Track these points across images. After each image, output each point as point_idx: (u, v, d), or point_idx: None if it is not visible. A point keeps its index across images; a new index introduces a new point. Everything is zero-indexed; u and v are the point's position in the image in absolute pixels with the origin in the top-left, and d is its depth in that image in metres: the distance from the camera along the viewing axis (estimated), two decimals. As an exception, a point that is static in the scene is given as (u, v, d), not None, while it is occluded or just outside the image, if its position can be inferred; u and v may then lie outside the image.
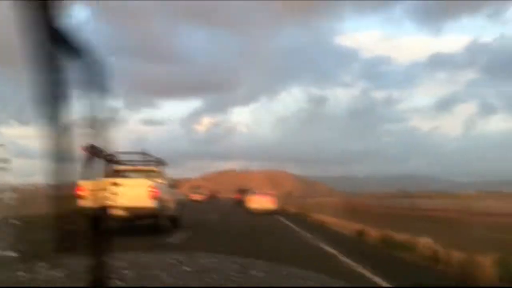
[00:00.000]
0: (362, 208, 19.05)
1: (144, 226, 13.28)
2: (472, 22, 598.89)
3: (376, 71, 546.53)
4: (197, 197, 53.41)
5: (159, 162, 15.08)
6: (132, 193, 12.49)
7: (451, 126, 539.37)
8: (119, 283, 1.42)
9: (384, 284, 6.96)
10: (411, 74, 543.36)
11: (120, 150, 13.63)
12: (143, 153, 14.32)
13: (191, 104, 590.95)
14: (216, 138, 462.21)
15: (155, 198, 12.94)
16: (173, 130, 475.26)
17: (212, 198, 65.39)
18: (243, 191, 39.24)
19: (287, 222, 21.34)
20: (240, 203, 36.68)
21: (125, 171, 14.41)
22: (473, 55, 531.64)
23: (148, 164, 14.71)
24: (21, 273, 1.62)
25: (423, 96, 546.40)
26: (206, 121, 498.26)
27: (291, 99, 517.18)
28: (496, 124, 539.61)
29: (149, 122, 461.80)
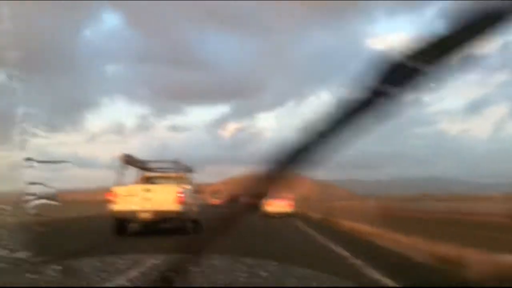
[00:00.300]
0: (397, 213, 17.12)
1: (171, 228, 13.99)
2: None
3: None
4: (216, 201, 54.48)
5: (188, 170, 16.17)
6: (160, 198, 13.57)
7: (480, 128, 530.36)
8: (126, 284, 1.47)
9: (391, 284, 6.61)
10: (442, 76, 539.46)
11: (153, 158, 16.11)
12: (175, 162, 15.37)
13: (217, 110, 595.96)
14: (240, 143, 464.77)
15: (180, 202, 13.69)
16: (198, 135, 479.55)
17: (232, 202, 66.19)
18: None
19: (313, 232, 16.79)
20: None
21: (156, 177, 15.84)
22: (507, 55, 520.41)
23: (177, 171, 15.53)
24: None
25: (452, 98, 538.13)
26: (231, 127, 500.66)
27: (318, 103, 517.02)
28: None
29: (175, 128, 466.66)
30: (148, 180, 15.49)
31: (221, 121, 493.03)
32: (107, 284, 1.56)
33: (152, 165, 16.01)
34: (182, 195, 13.85)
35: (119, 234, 13.41)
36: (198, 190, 17.07)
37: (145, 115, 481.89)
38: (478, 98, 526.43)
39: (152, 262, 1.88)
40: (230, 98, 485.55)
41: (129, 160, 14.44)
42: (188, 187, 14.92)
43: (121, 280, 1.59)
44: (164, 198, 13.64)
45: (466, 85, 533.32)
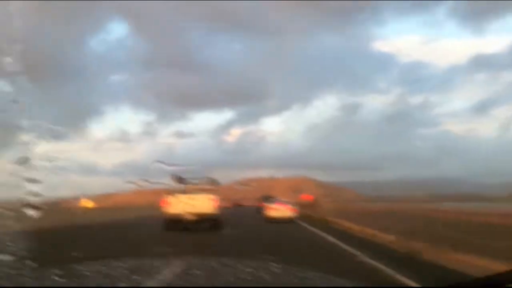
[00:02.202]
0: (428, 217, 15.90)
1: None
2: None
3: (413, 75, 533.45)
4: (227, 204, 55.30)
5: (215, 182, 21.14)
6: (200, 204, 19.28)
7: (485, 128, 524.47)
8: (123, 285, 1.52)
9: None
10: (450, 78, 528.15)
11: (191, 176, 20.85)
12: (207, 178, 21.11)
13: (222, 116, 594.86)
14: (245, 148, 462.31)
15: (215, 207, 19.83)
16: (203, 141, 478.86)
17: (237, 206, 66.62)
18: (266, 199, 38.88)
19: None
20: (261, 210, 36.54)
21: (194, 189, 20.48)
22: None
23: (208, 184, 20.74)
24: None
25: (459, 99, 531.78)
26: (236, 132, 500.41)
27: (323, 106, 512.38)
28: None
29: (180, 134, 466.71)
30: (189, 191, 20.23)
31: (226, 126, 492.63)
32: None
33: (191, 180, 20.78)
34: (217, 201, 19.94)
35: (170, 230, 18.64)
36: (222, 197, 22.19)
37: (150, 121, 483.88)
38: (486, 98, 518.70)
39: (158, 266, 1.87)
40: (235, 103, 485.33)
41: (178, 179, 19.80)
42: (216, 195, 20.35)
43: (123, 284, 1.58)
44: (203, 204, 19.39)
45: (474, 84, 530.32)
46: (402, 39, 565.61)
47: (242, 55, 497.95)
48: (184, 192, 20.15)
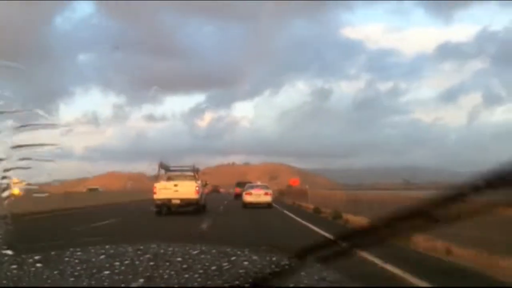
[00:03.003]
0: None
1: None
2: (483, 10, 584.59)
3: (382, 62, 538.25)
4: (205, 191, 54.90)
5: (196, 170, 23.96)
6: (184, 190, 21.04)
7: (455, 117, 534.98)
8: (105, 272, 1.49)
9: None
10: (418, 66, 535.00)
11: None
12: (191, 166, 24.05)
13: (194, 99, 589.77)
14: (217, 133, 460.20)
15: (197, 193, 21.32)
16: (174, 125, 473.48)
17: (214, 192, 66.46)
18: (242, 185, 38.67)
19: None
20: (238, 197, 36.53)
21: (178, 176, 23.18)
22: (482, 44, 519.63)
23: (190, 171, 23.66)
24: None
25: (428, 87, 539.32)
26: (208, 116, 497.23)
27: (295, 92, 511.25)
28: (501, 114, 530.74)
29: (151, 117, 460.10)
30: (173, 178, 22.63)
31: (197, 111, 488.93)
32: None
33: (175, 168, 23.96)
34: (198, 188, 21.51)
35: (159, 214, 20.78)
36: (204, 184, 25.34)
37: (121, 104, 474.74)
38: (453, 86, 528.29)
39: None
40: (207, 87, 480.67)
41: (162, 165, 22.50)
42: (199, 182, 22.37)
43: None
44: (187, 190, 21.07)
45: (442, 73, 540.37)
46: (371, 26, 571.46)
47: (215, 39, 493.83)
48: (169, 179, 22.60)
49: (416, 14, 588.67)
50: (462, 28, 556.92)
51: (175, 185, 21.25)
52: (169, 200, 20.89)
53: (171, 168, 23.69)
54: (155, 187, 21.39)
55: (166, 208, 20.99)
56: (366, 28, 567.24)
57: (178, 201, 20.87)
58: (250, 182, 37.23)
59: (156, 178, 22.32)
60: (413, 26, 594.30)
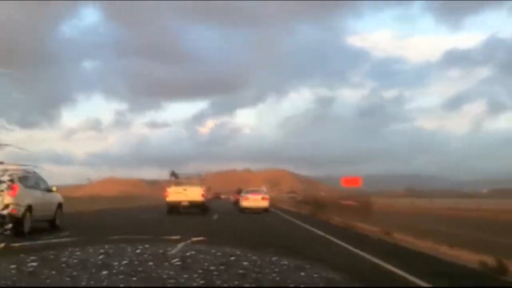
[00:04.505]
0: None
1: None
2: (492, 17, 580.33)
3: (387, 70, 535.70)
4: (209, 196, 55.46)
5: (202, 178, 29.47)
6: (192, 194, 24.71)
7: (459, 124, 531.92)
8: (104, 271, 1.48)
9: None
10: (423, 73, 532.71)
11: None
12: (197, 175, 30.34)
13: (197, 106, 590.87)
14: (219, 140, 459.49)
15: (203, 196, 25.07)
16: (177, 132, 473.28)
17: (215, 198, 67.27)
18: (240, 191, 38.29)
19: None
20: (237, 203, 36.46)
21: (185, 183, 26.70)
22: (489, 51, 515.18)
23: (195, 179, 28.27)
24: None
25: (433, 95, 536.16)
26: (210, 123, 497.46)
27: (298, 99, 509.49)
28: (507, 122, 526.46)
29: (153, 124, 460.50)
30: (181, 184, 26.29)
31: (200, 117, 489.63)
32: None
33: (183, 176, 28.17)
34: (204, 192, 25.42)
35: (171, 213, 24.01)
36: (209, 189, 30.71)
37: (123, 111, 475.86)
38: (459, 94, 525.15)
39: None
40: (209, 93, 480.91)
41: (173, 173, 27.56)
42: (204, 187, 26.37)
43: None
44: (194, 194, 24.75)
45: (448, 80, 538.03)
46: (376, 34, 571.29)
47: (218, 45, 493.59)
48: (179, 185, 26.18)
49: (423, 21, 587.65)
50: (470, 35, 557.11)
51: (184, 190, 25.01)
52: (179, 202, 24.55)
53: (180, 176, 27.92)
54: (168, 191, 25.41)
55: (176, 208, 24.44)
56: (372, 35, 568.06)
57: (186, 203, 24.56)
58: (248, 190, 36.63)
59: (170, 184, 26.71)
60: (420, 32, 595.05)
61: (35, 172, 14.23)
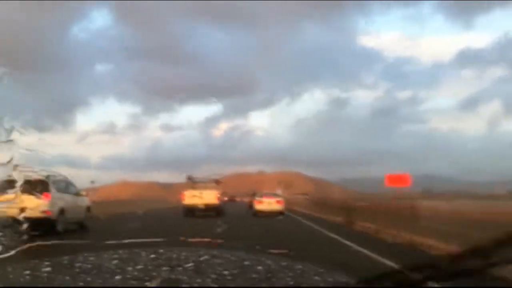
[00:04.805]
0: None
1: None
2: (505, 15, 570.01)
3: (400, 71, 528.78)
4: (225, 199, 56.00)
5: (217, 181, 29.24)
6: (208, 197, 25.37)
7: (473, 125, 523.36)
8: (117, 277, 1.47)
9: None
10: (436, 73, 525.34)
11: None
12: (212, 179, 29.47)
13: (210, 109, 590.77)
14: (233, 142, 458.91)
15: (219, 199, 25.90)
16: (190, 134, 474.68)
17: (231, 201, 67.64)
18: (254, 194, 38.28)
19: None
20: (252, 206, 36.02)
21: (201, 186, 27.33)
22: (503, 50, 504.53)
23: (212, 182, 28.64)
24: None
25: (446, 95, 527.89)
26: (223, 126, 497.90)
27: (311, 101, 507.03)
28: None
29: (167, 127, 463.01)
30: (198, 187, 27.14)
31: (213, 120, 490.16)
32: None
33: (199, 180, 28.78)
34: (219, 195, 26.18)
35: (188, 216, 24.22)
36: (224, 192, 31.53)
37: (137, 114, 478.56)
38: (473, 94, 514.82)
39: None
40: (223, 96, 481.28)
41: (190, 178, 28.82)
42: (219, 191, 27.18)
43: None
44: (210, 197, 25.34)
45: (461, 81, 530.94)
46: (388, 34, 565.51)
47: (230, 48, 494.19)
48: (195, 188, 26.99)
49: (435, 21, 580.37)
50: (482, 35, 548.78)
51: (200, 193, 25.59)
52: (196, 205, 25.07)
53: (197, 180, 28.66)
54: (184, 194, 26.03)
55: (193, 211, 24.79)
56: (384, 36, 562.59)
57: (202, 206, 25.04)
58: (262, 192, 36.63)
59: (186, 188, 27.59)
60: (432, 33, 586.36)
61: (66, 177, 15.30)
